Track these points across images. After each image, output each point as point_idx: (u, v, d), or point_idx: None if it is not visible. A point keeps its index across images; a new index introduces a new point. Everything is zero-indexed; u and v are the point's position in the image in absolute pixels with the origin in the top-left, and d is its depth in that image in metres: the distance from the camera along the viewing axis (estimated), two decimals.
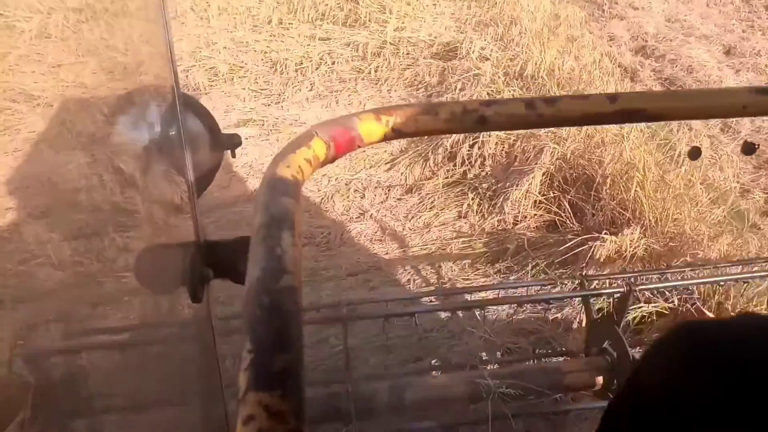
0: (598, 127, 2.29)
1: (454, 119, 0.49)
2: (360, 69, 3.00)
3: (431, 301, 1.82)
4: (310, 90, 2.92)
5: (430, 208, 2.31)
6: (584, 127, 2.28)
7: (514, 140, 2.38)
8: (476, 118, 0.49)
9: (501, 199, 2.25)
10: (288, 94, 2.87)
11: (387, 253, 2.10)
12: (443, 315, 1.83)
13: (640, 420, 0.41)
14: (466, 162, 2.41)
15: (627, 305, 1.40)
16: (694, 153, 0.78)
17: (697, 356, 0.41)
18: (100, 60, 2.67)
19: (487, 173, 2.40)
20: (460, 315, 1.81)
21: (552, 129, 2.30)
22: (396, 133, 0.49)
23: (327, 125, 0.47)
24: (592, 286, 1.49)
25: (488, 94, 2.63)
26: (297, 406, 0.29)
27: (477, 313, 1.77)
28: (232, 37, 3.18)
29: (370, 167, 2.52)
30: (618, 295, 1.43)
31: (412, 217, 2.28)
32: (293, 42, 3.16)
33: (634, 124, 2.34)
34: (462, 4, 3.55)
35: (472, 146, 2.40)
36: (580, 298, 1.63)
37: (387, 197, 2.37)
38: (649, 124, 2.50)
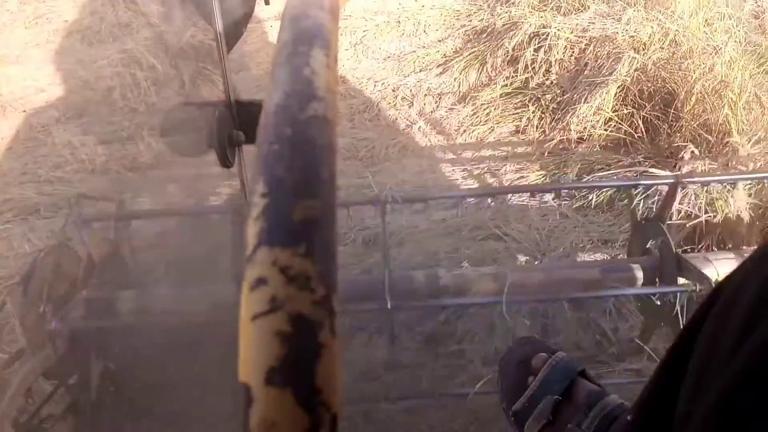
0: (688, 34, 2.01)
1: None
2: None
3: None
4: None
5: (485, 121, 2.09)
6: (671, 33, 2.01)
7: (585, 45, 2.09)
8: None
9: (567, 113, 2.00)
10: None
11: (434, 172, 1.99)
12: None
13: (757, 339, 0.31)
14: (530, 68, 2.13)
15: (674, 200, 1.28)
16: None
17: None
18: None
19: (552, 82, 2.12)
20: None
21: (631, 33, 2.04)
22: None
23: None
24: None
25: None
26: (326, 269, 0.20)
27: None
28: None
29: (420, 71, 2.31)
30: (665, 189, 1.30)
31: (464, 131, 2.08)
32: None
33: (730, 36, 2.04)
34: None
35: (537, 50, 2.12)
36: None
37: (437, 106, 2.18)
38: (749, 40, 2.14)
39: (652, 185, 1.41)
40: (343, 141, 1.99)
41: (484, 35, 2.33)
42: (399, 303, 1.17)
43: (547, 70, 2.14)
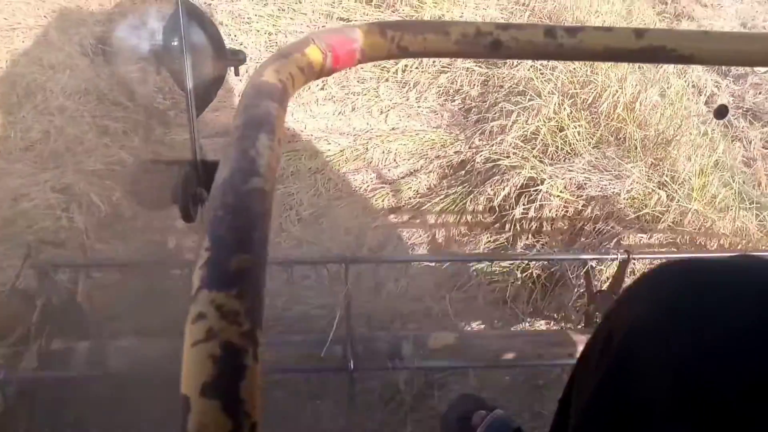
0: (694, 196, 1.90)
1: (466, 41, 0.47)
2: (384, 66, 2.45)
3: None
4: (321, 89, 2.37)
5: (464, 292, 1.78)
6: (675, 204, 1.88)
7: (583, 205, 1.91)
8: (490, 42, 0.46)
9: (562, 288, 1.72)
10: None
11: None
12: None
13: (611, 361, 0.40)
14: (516, 225, 1.90)
15: (625, 274, 1.42)
16: (720, 112, 0.74)
17: (696, 292, 0.38)
18: None
19: (544, 245, 1.90)
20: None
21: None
22: (401, 51, 0.48)
23: (326, 33, 0.45)
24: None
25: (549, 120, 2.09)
26: (253, 307, 0.28)
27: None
28: (230, 10, 2.62)
29: (390, 213, 2.04)
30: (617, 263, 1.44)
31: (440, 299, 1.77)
32: (305, 20, 2.64)
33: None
34: None
35: (526, 203, 1.89)
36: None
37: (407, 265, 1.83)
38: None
39: (605, 259, 1.54)
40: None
41: (463, 172, 2.13)
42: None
43: (538, 231, 1.93)
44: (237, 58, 0.75)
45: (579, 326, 1.62)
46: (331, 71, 0.47)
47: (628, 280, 1.44)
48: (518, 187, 1.95)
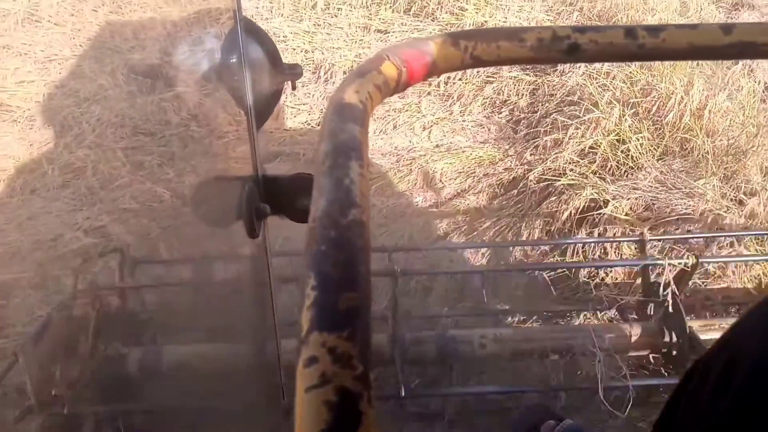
0: None
1: (541, 47, 0.46)
2: (426, 80, 2.45)
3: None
4: None
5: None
6: None
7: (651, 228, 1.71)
8: (567, 47, 0.45)
9: None
10: None
11: None
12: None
13: (734, 396, 0.37)
14: (578, 251, 1.72)
15: (691, 277, 1.37)
16: None
17: None
18: None
19: (614, 283, 1.69)
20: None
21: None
22: (475, 61, 0.47)
23: (399, 48, 0.45)
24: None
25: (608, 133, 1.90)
26: (364, 349, 0.27)
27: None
28: (265, 28, 2.71)
29: (438, 238, 1.91)
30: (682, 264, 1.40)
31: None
32: (342, 35, 2.58)
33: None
34: None
35: (591, 227, 1.73)
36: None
37: None
38: None
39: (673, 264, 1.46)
40: None
41: (515, 192, 2.00)
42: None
43: (602, 257, 1.74)
44: (294, 72, 0.76)
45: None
46: (407, 86, 0.46)
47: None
48: (579, 210, 1.80)
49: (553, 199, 1.88)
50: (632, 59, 0.46)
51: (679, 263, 1.39)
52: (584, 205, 1.81)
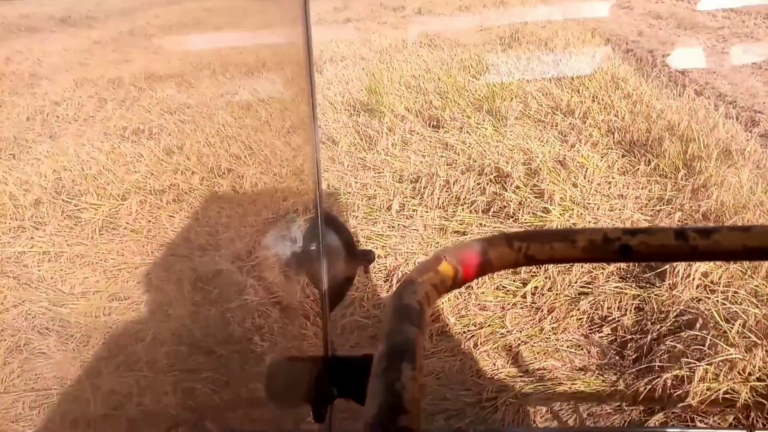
0: None
1: (594, 248, 0.48)
2: (509, 290, 2.08)
3: None
4: (436, 320, 2.01)
5: None
6: None
7: None
8: (618, 248, 0.48)
9: None
10: None
11: None
12: None
13: None
14: None
15: None
16: None
17: None
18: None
19: None
20: None
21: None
22: (528, 260, 0.50)
23: (456, 249, 0.49)
24: None
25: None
26: None
27: None
28: None
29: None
30: None
31: None
32: (416, 238, 2.47)
33: None
34: (650, 180, 2.57)
35: None
36: None
37: None
38: None
39: None
40: None
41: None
42: None
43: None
44: (366, 258, 0.83)
45: None
46: (462, 283, 0.50)
47: None
48: None
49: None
50: (684, 260, 0.48)
51: None
52: None
